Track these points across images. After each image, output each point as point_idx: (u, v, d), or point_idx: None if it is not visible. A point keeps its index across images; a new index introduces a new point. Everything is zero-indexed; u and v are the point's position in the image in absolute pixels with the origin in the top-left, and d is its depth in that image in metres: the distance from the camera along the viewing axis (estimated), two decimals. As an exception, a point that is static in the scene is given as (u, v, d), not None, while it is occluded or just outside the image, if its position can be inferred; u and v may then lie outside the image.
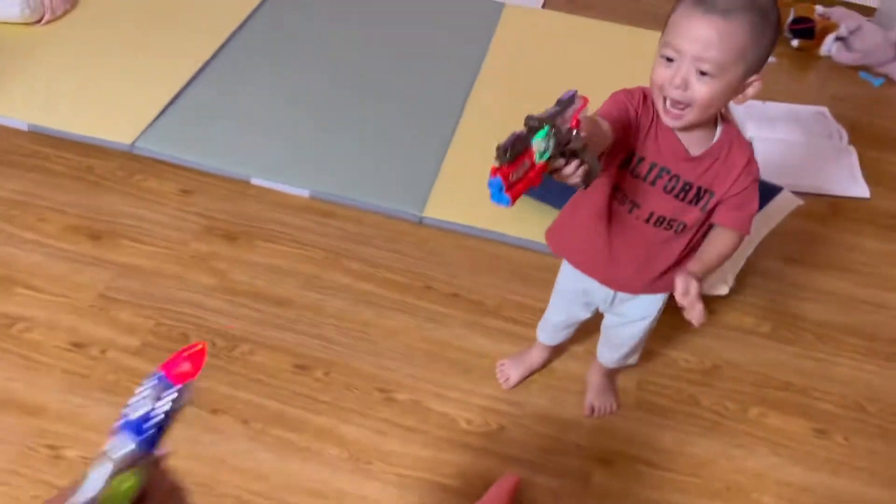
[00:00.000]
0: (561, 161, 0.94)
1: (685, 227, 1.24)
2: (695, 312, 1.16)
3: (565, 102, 0.95)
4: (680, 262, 1.31)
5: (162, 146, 2.12)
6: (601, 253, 1.32)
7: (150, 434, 0.62)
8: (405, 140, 2.25)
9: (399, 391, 1.65)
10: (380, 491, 1.48)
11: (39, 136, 2.12)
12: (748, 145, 1.21)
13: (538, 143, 0.88)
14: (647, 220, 1.24)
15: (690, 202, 1.21)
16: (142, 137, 2.13)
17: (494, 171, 0.84)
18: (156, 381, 0.65)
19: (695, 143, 1.18)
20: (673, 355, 1.79)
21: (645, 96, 1.17)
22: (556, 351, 1.73)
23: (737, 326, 1.88)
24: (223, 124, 2.21)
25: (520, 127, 0.87)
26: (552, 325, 1.58)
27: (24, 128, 2.14)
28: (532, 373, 1.70)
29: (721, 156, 1.18)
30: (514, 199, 0.87)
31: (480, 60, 2.61)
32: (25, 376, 1.58)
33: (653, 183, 1.20)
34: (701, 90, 1.06)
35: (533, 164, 0.89)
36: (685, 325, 1.81)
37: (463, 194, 2.04)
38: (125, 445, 0.61)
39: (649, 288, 1.38)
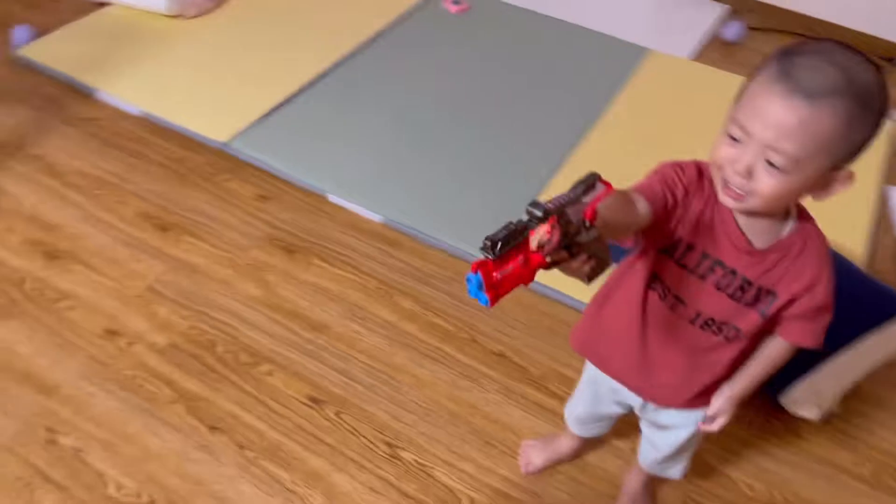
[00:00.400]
0: (564, 254, 0.78)
1: (738, 333, 1.02)
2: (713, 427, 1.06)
3: (582, 187, 0.79)
4: (727, 377, 1.08)
5: (253, 149, 2.12)
6: (633, 357, 1.11)
7: None
8: (497, 179, 2.11)
9: (407, 449, 1.51)
10: (352, 557, 1.35)
11: (146, 123, 2.20)
12: (826, 244, 0.97)
13: (536, 239, 0.73)
14: (693, 322, 1.03)
15: (748, 304, 0.99)
16: (237, 138, 2.15)
17: (475, 267, 0.70)
18: None
19: (759, 234, 0.95)
20: (734, 476, 1.52)
21: (700, 172, 0.97)
22: (594, 443, 1.52)
23: (827, 460, 1.56)
24: (317, 138, 2.19)
25: None
26: (576, 417, 1.37)
27: (136, 113, 2.23)
28: (559, 461, 1.50)
29: (791, 253, 0.95)
30: (495, 299, 0.72)
31: (605, 105, 2.42)
32: (53, 353, 1.60)
33: (702, 277, 0.99)
34: (767, 183, 0.85)
35: (528, 259, 0.74)
36: (758, 441, 1.54)
37: (537, 247, 1.87)
38: None
39: (689, 403, 1.15)
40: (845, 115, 0.81)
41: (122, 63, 2.37)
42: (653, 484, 1.45)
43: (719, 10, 3.07)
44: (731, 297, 0.98)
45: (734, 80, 2.62)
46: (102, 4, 2.64)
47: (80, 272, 1.77)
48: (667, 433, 1.24)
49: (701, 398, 1.12)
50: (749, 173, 0.86)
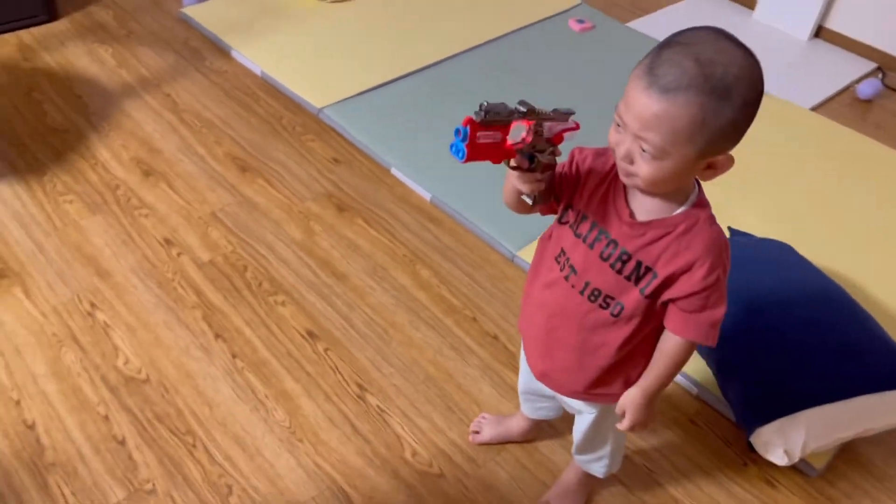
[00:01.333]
0: (525, 161, 0.94)
1: (623, 310, 1.05)
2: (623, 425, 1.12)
3: (561, 115, 0.95)
4: (618, 364, 1.11)
5: (340, 117, 2.33)
6: (539, 337, 1.17)
7: None
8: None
9: (375, 395, 1.62)
10: (289, 469, 1.48)
11: (263, 82, 2.49)
12: (717, 235, 0.98)
13: (517, 129, 0.89)
14: (583, 292, 1.07)
15: (629, 278, 1.02)
16: (331, 106, 2.38)
17: (467, 121, 0.86)
18: None
19: (646, 209, 1.00)
20: (677, 496, 1.48)
21: (605, 151, 1.03)
22: (549, 433, 1.55)
23: (791, 513, 1.48)
24: (399, 119, 2.36)
25: None
26: (520, 391, 1.41)
27: (258, 72, 2.53)
28: (508, 441, 1.54)
29: (675, 232, 0.98)
30: (470, 157, 0.87)
31: None
32: (118, 248, 1.88)
33: (591, 246, 1.04)
34: (644, 168, 0.91)
35: (503, 141, 0.89)
36: (722, 477, 1.49)
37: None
38: None
39: (585, 395, 1.18)
40: (701, 109, 0.85)
41: (261, 31, 2.69)
42: (590, 484, 1.46)
43: (863, 66, 2.90)
44: (613, 267, 1.02)
45: (854, 138, 2.49)
46: (266, -18, 3.00)
47: (163, 190, 2.06)
48: (578, 418, 1.27)
49: (597, 390, 1.15)
50: (629, 158, 0.92)
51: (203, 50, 2.63)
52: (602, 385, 1.14)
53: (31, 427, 1.51)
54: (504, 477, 1.50)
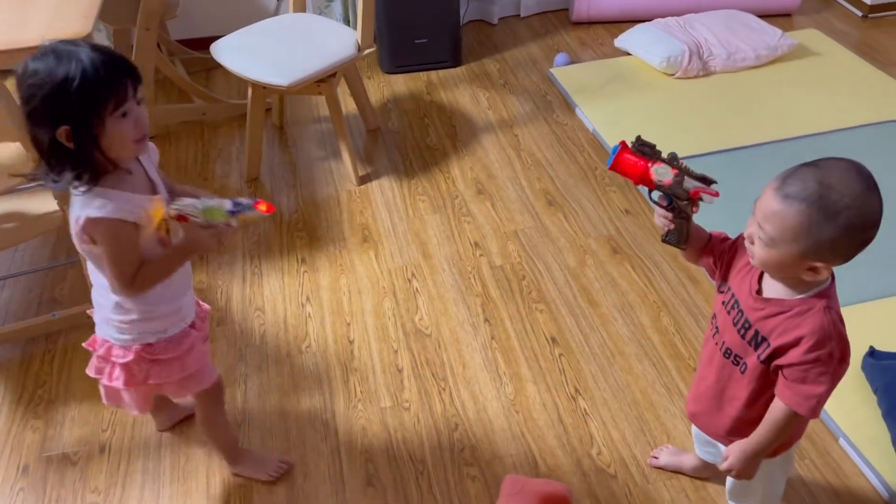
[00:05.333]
0: (664, 199, 1.29)
1: (747, 368, 1.30)
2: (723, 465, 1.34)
3: (700, 178, 1.27)
4: (748, 420, 1.34)
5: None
6: (695, 381, 1.47)
7: (237, 208, 1.35)
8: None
9: (585, 400, 1.99)
10: (502, 429, 1.93)
11: (592, 138, 2.98)
12: (827, 323, 1.18)
13: (665, 170, 1.24)
14: (720, 348, 1.35)
15: (749, 342, 1.28)
16: (640, 167, 2.76)
17: (621, 143, 1.26)
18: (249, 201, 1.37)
19: (772, 289, 1.24)
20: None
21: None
22: (723, 478, 1.76)
23: None
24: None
25: None
26: (693, 430, 1.67)
27: (591, 128, 3.02)
28: (680, 471, 1.79)
29: (790, 311, 1.21)
30: (613, 166, 1.25)
31: None
32: (442, 240, 2.53)
33: (728, 312, 1.32)
34: (758, 251, 1.19)
35: (645, 169, 1.25)
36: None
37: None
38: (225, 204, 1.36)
39: (725, 440, 1.42)
40: (807, 218, 1.11)
41: (607, 95, 3.19)
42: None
43: None
44: (738, 331, 1.28)
45: None
46: (628, 54, 3.49)
47: (486, 206, 2.66)
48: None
49: (736, 437, 1.38)
50: (751, 239, 1.20)
51: (555, 104, 3.21)
52: (738, 434, 1.37)
53: (351, 342, 2.19)
54: (667, 498, 1.76)
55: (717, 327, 1.35)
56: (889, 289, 2.23)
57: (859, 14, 3.74)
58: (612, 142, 2.90)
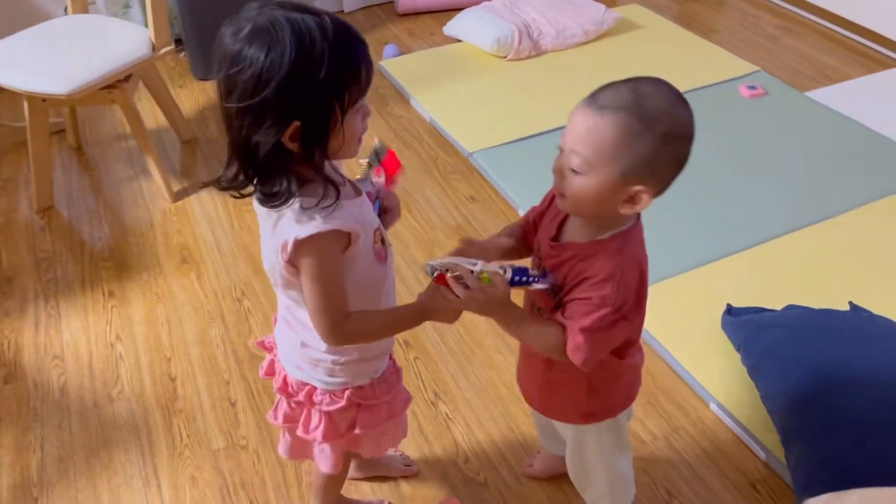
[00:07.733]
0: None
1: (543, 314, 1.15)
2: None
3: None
4: (549, 379, 1.22)
5: (487, 161, 2.56)
6: (520, 350, 1.33)
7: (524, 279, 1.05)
8: (679, 232, 2.20)
9: (446, 403, 1.79)
10: (355, 450, 1.69)
11: (430, 127, 2.81)
12: (613, 266, 1.03)
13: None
14: (533, 304, 1.19)
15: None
16: (481, 151, 2.62)
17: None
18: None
19: (569, 234, 1.11)
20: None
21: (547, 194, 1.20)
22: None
23: None
24: (544, 168, 2.53)
25: None
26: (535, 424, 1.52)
27: (427, 118, 2.85)
28: (561, 474, 1.61)
29: (582, 255, 1.06)
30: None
31: (852, 206, 2.31)
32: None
33: (536, 266, 1.18)
34: (571, 183, 1.03)
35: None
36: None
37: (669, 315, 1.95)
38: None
39: (541, 402, 1.31)
40: (625, 129, 0.96)
41: (438, 81, 3.03)
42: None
43: None
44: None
45: None
46: (459, 41, 3.36)
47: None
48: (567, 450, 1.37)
49: (549, 402, 1.27)
50: (561, 174, 1.03)
51: (389, 96, 3.02)
52: (550, 405, 1.27)
53: (173, 379, 1.88)
54: (542, 497, 1.59)
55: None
56: (740, 243, 2.19)
57: (676, -13, 3.82)
58: (448, 128, 2.74)
